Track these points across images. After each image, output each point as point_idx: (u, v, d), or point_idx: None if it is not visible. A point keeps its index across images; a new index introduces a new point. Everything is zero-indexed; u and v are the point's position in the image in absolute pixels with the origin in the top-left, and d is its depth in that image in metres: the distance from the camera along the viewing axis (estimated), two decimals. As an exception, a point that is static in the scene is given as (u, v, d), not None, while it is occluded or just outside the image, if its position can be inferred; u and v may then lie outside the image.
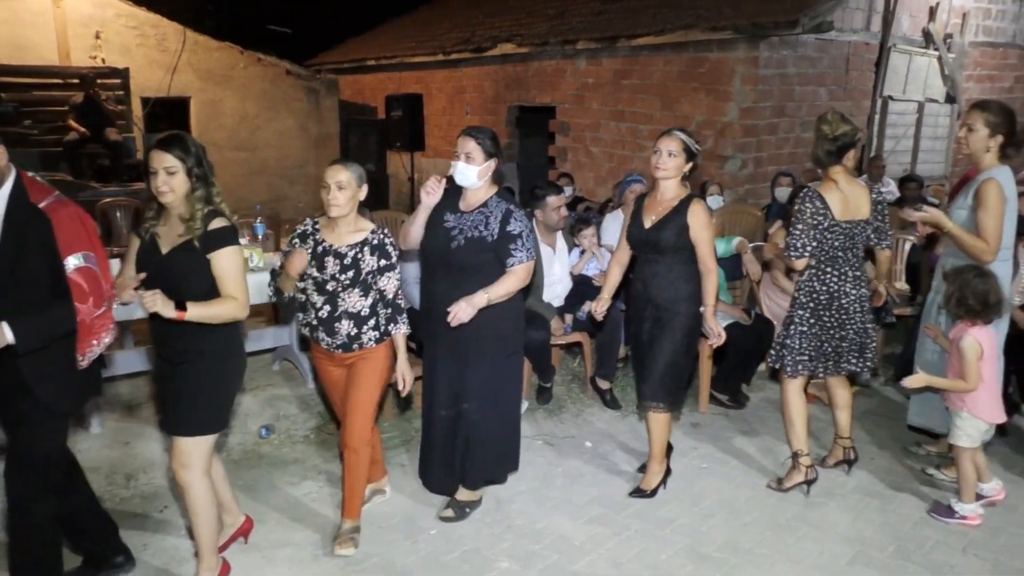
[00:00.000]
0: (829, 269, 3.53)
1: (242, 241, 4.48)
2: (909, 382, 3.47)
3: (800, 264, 3.52)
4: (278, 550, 3.23)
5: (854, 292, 3.56)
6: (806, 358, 3.60)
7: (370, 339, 3.15)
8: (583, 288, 4.77)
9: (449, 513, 3.45)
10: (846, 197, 3.47)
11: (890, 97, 8.68)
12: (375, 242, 3.13)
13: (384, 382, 3.27)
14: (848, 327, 3.58)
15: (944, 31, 8.91)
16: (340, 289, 3.08)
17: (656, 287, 3.51)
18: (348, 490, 3.23)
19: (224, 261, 2.68)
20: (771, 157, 7.87)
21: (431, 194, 3.31)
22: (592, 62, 9.03)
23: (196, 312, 2.59)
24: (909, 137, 9.28)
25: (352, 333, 3.12)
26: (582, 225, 4.96)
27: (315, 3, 18.05)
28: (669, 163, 3.43)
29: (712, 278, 3.45)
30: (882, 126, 8.75)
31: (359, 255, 3.10)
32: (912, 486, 3.80)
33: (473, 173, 3.27)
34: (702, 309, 3.45)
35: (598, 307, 3.67)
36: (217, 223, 2.68)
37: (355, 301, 3.10)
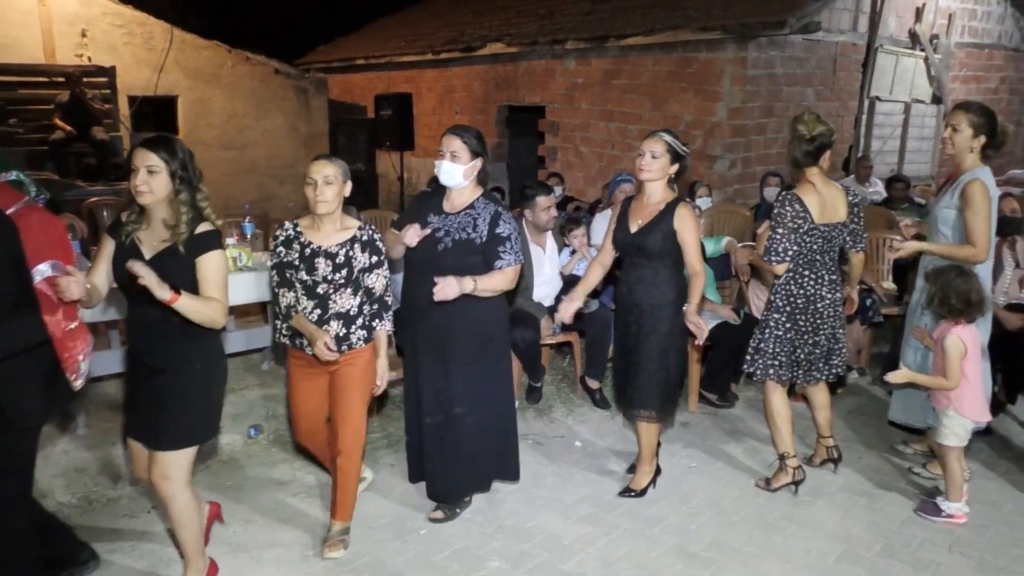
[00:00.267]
0: (807, 272, 3.52)
1: (230, 241, 4.51)
2: (892, 377, 3.51)
3: (781, 269, 3.50)
4: (267, 550, 3.22)
5: (829, 296, 3.55)
6: (778, 364, 3.59)
7: (359, 339, 3.11)
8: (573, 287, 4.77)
9: (439, 514, 3.44)
10: (824, 200, 3.45)
11: (877, 98, 8.73)
12: (364, 238, 3.08)
13: (372, 386, 3.24)
14: (821, 332, 3.57)
15: (930, 32, 8.98)
16: (332, 291, 3.03)
17: (641, 292, 3.47)
18: (340, 493, 3.22)
19: (209, 265, 2.62)
20: (759, 157, 7.91)
21: (411, 241, 3.19)
22: (581, 62, 9.04)
23: (187, 302, 2.52)
24: (896, 138, 9.34)
25: (341, 334, 3.07)
26: (572, 225, 4.96)
27: (304, 2, 18.01)
28: (653, 165, 3.39)
29: (699, 279, 3.42)
30: (869, 126, 8.80)
31: (351, 253, 3.04)
32: (899, 485, 3.82)
33: (459, 172, 3.22)
34: (686, 307, 3.41)
35: (566, 309, 3.56)
36: (203, 227, 2.63)
37: (345, 301, 3.06)
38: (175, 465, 2.69)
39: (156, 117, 11.51)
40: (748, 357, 3.71)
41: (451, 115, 11.13)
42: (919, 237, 3.92)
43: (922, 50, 8.95)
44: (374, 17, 14.73)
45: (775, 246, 3.46)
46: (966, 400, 3.41)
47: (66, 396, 2.68)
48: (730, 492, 3.75)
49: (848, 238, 3.57)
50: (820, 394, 3.78)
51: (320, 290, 3.02)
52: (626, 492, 3.69)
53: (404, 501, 3.59)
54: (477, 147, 3.25)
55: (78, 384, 2.50)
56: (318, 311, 3.04)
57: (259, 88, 12.10)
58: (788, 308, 3.56)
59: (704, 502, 3.65)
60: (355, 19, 14.92)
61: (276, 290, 3.12)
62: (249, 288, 4.24)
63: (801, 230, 3.43)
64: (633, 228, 3.48)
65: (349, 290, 3.05)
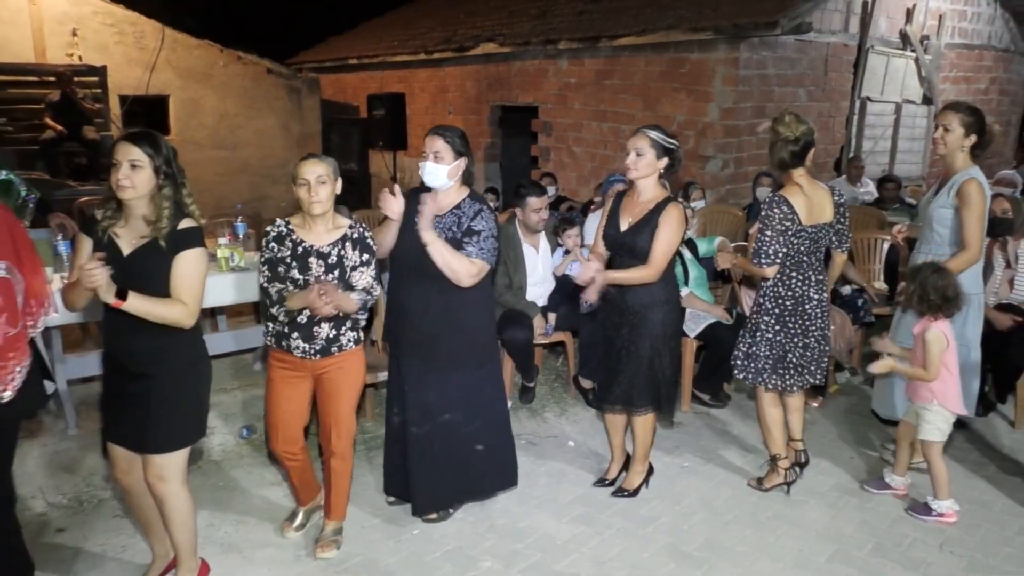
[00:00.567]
0: (794, 274, 3.50)
1: (223, 240, 4.50)
2: (876, 368, 3.55)
3: (772, 272, 3.47)
4: (259, 550, 3.21)
5: (816, 297, 3.53)
6: (770, 368, 3.58)
7: (349, 340, 3.07)
8: (568, 287, 4.77)
9: (432, 515, 3.44)
10: (811, 201, 3.43)
11: (868, 98, 8.77)
12: (355, 236, 3.03)
13: (361, 388, 3.20)
14: (811, 334, 3.56)
15: (921, 33, 9.02)
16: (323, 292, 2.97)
17: (631, 292, 3.42)
18: (334, 494, 3.21)
19: (185, 263, 2.54)
20: (751, 157, 7.93)
21: (394, 208, 3.18)
22: (574, 62, 9.05)
23: (136, 304, 2.43)
24: (887, 138, 9.38)
25: (331, 336, 3.02)
26: (566, 225, 4.94)
27: (296, 1, 17.97)
28: (640, 163, 3.35)
29: (646, 272, 3.32)
30: (860, 127, 8.84)
31: (342, 252, 3.00)
32: (890, 483, 3.84)
33: (443, 172, 3.17)
34: (597, 271, 3.29)
35: (586, 273, 3.39)
36: (185, 223, 2.57)
37: None
38: (169, 467, 2.66)
39: (147, 117, 11.46)
40: (738, 362, 3.69)
41: (444, 115, 11.12)
42: (911, 241, 3.95)
43: (913, 51, 8.99)
44: (367, 17, 14.71)
45: (765, 248, 3.42)
46: (950, 392, 3.46)
47: (38, 396, 2.61)
48: (723, 492, 3.76)
49: (834, 238, 3.57)
50: (796, 398, 3.74)
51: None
52: (619, 492, 3.70)
53: (397, 501, 3.59)
54: (461, 147, 3.20)
55: (6, 396, 2.34)
56: (307, 312, 2.98)
57: (251, 88, 12.07)
58: (777, 311, 3.54)
59: (697, 502, 3.66)
60: (348, 19, 14.90)
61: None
62: (241, 288, 4.22)
63: (789, 232, 3.40)
64: (623, 226, 3.44)
65: (341, 291, 3.00)
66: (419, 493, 3.38)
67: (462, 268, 3.12)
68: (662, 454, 4.06)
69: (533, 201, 4.63)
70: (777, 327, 3.55)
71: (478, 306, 3.28)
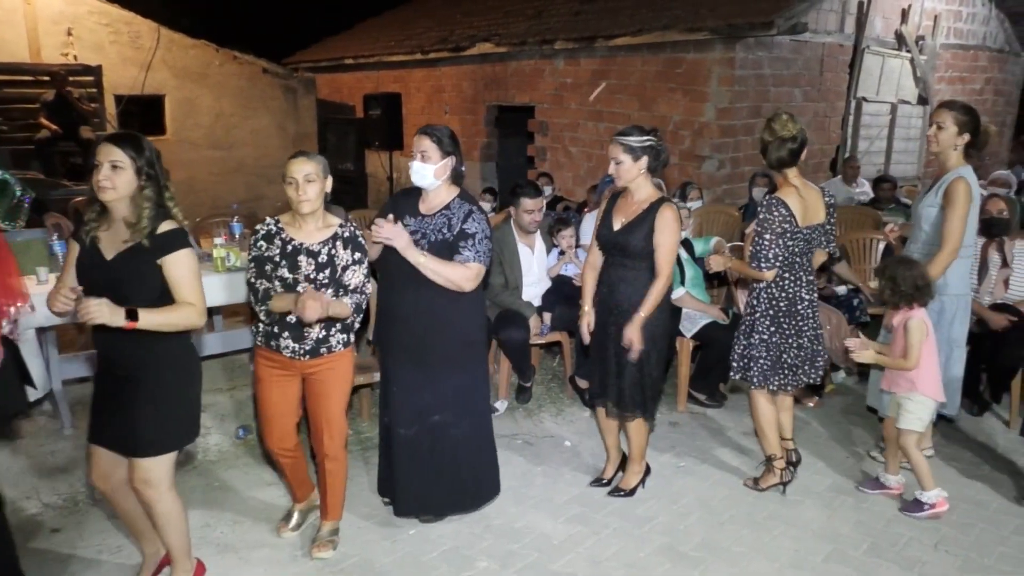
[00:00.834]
0: (788, 275, 3.50)
1: (219, 240, 4.49)
2: (859, 355, 3.59)
3: (771, 275, 3.46)
4: (255, 551, 3.20)
5: (808, 297, 3.55)
6: (768, 369, 3.58)
7: (339, 342, 3.04)
8: (563, 287, 4.77)
9: (428, 515, 3.43)
10: (806, 202, 3.44)
11: (864, 98, 8.79)
12: (346, 235, 2.99)
13: (350, 389, 3.18)
14: (804, 334, 3.57)
15: (916, 33, 9.04)
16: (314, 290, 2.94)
17: (622, 293, 3.42)
18: (329, 494, 3.21)
19: (178, 265, 2.51)
20: (748, 157, 7.94)
21: (386, 235, 3.04)
22: (570, 62, 9.06)
23: (149, 320, 2.41)
24: (882, 138, 9.40)
25: (321, 336, 2.99)
26: (560, 226, 4.94)
27: (292, 1, 17.95)
28: (620, 170, 3.36)
29: (659, 283, 3.34)
30: (856, 127, 8.86)
31: (332, 251, 2.97)
32: (886, 483, 3.85)
33: (430, 172, 3.15)
34: (635, 316, 3.32)
35: (586, 323, 3.53)
36: (166, 226, 2.52)
37: None
38: (155, 471, 2.61)
39: (143, 116, 11.45)
40: (736, 363, 3.68)
41: (440, 115, 11.12)
42: (903, 239, 3.96)
43: (908, 51, 9.01)
44: (363, 17, 14.70)
45: (764, 252, 3.41)
46: (928, 381, 3.50)
47: (13, 399, 2.57)
48: (719, 492, 3.76)
49: (822, 238, 3.58)
50: (787, 396, 3.75)
51: (300, 289, 2.92)
52: (616, 492, 3.70)
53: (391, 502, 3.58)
54: (449, 146, 3.17)
55: None
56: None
57: (247, 87, 12.06)
58: (772, 312, 3.54)
59: (693, 501, 3.66)
60: (343, 19, 14.89)
61: (253, 281, 2.99)
62: (237, 288, 4.21)
63: (787, 234, 3.40)
64: (616, 226, 3.44)
65: (330, 291, 2.96)
66: (401, 493, 3.37)
67: (459, 276, 3.12)
68: (658, 454, 4.06)
69: (527, 202, 4.63)
70: (772, 328, 3.55)
71: (468, 307, 3.25)
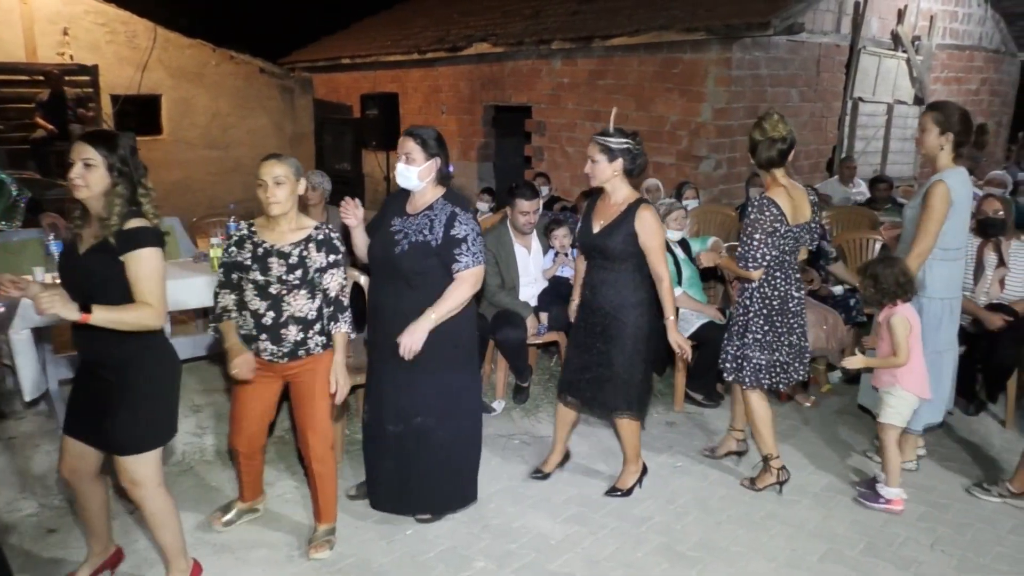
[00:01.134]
0: (778, 274, 3.52)
1: (215, 240, 4.48)
2: (849, 363, 3.65)
3: (758, 274, 3.48)
4: (252, 551, 3.20)
5: (797, 295, 3.59)
6: (763, 368, 3.59)
7: (317, 344, 3.03)
8: (560, 287, 4.77)
9: (425, 515, 3.43)
10: (795, 202, 3.46)
11: (860, 99, 8.80)
12: (320, 237, 2.98)
13: (334, 391, 3.16)
14: (795, 331, 3.60)
15: (912, 33, 9.06)
16: (286, 292, 2.93)
17: (603, 294, 3.42)
18: (321, 497, 3.21)
19: (139, 263, 2.46)
20: (745, 157, 7.91)
21: (349, 216, 3.23)
22: (567, 62, 9.06)
23: (102, 316, 2.38)
24: (879, 138, 9.42)
25: (299, 339, 2.98)
26: (555, 226, 4.94)
27: (289, 1, 17.92)
28: (595, 169, 3.39)
29: (665, 285, 3.36)
30: (852, 127, 8.87)
31: (304, 253, 2.95)
32: (882, 482, 3.86)
33: (413, 174, 3.15)
34: (667, 322, 3.39)
35: (571, 309, 3.64)
36: (135, 222, 2.49)
37: (302, 304, 2.96)
38: (140, 470, 2.61)
39: (139, 116, 11.43)
40: (731, 364, 3.68)
41: (437, 115, 11.12)
42: (898, 239, 3.97)
43: (904, 51, 9.03)
44: (360, 16, 14.67)
45: (753, 252, 3.43)
46: (910, 377, 3.53)
47: None
48: (716, 491, 3.77)
49: (807, 236, 3.60)
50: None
51: (273, 290, 2.93)
52: (613, 492, 3.70)
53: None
54: (434, 148, 3.17)
55: None
56: (272, 313, 2.95)
57: (244, 87, 12.04)
58: (765, 311, 3.56)
59: (690, 501, 3.67)
60: (340, 18, 14.86)
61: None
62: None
63: (778, 233, 3.42)
64: (595, 228, 3.44)
65: (304, 292, 2.95)
66: (376, 486, 3.42)
67: (464, 292, 3.14)
68: (655, 454, 4.06)
69: (522, 204, 4.63)
70: (766, 327, 3.57)
71: None
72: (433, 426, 3.27)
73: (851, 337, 5.03)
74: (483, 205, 7.91)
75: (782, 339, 3.57)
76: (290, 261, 2.94)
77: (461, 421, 3.36)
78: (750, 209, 3.48)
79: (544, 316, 4.71)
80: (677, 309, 4.57)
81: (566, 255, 4.85)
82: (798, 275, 3.61)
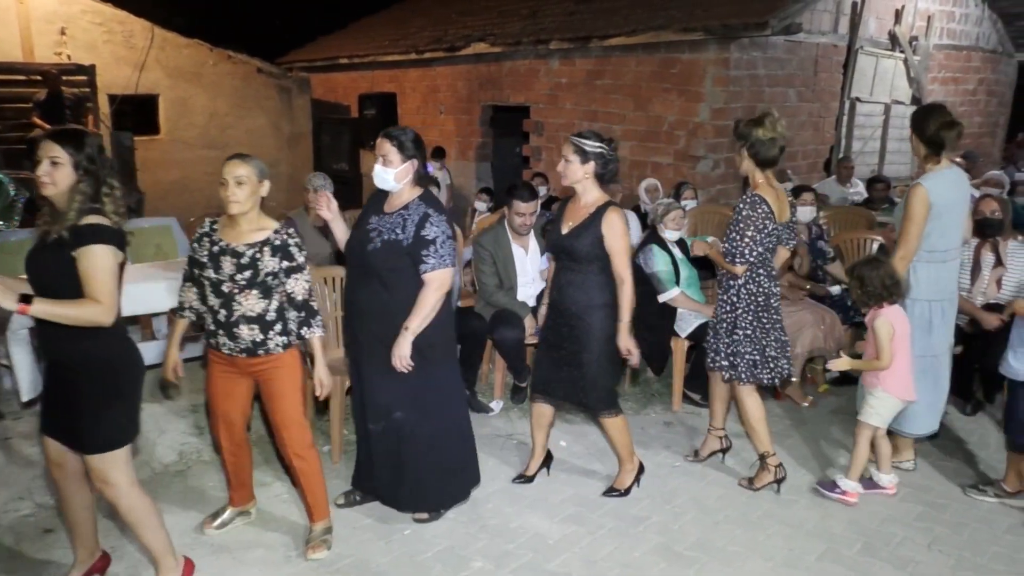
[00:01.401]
0: (761, 271, 3.56)
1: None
2: (834, 364, 3.70)
3: (741, 270, 3.52)
4: (249, 551, 3.20)
5: (777, 291, 3.65)
6: (755, 364, 3.61)
7: (277, 344, 3.01)
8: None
9: (423, 514, 3.43)
10: (780, 200, 3.53)
11: (858, 99, 8.81)
12: (277, 243, 2.97)
13: (303, 384, 3.17)
14: (777, 327, 3.65)
15: (909, 34, 9.08)
16: (236, 291, 2.92)
17: (570, 296, 3.44)
18: (308, 494, 3.21)
19: (89, 259, 2.44)
20: (743, 157, 7.96)
21: (322, 208, 3.33)
22: (565, 62, 9.06)
23: (42, 308, 2.37)
24: (876, 138, 9.43)
25: (257, 339, 2.97)
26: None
27: (287, 1, 17.92)
28: (567, 169, 3.40)
29: (626, 289, 3.37)
30: (850, 127, 8.88)
31: (257, 255, 2.94)
32: (879, 482, 3.86)
33: (390, 176, 3.17)
34: (618, 325, 3.41)
35: (539, 313, 3.70)
36: (92, 219, 2.48)
37: (252, 304, 2.94)
38: (110, 469, 2.61)
39: (136, 116, 11.41)
40: (724, 363, 3.69)
41: (435, 115, 11.12)
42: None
43: (901, 52, 9.04)
44: (357, 16, 14.67)
45: (742, 249, 3.46)
46: (893, 379, 3.55)
47: None
48: (714, 491, 3.77)
49: (785, 234, 3.64)
50: (723, 384, 3.83)
51: (225, 288, 2.92)
52: (610, 491, 3.70)
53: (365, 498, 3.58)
54: (411, 150, 3.19)
55: None
56: (224, 311, 2.95)
57: (241, 87, 12.04)
58: (753, 307, 3.59)
59: (688, 501, 3.67)
60: (338, 18, 14.86)
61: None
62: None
63: (767, 230, 3.47)
64: (564, 230, 3.47)
65: (255, 292, 2.94)
66: (363, 481, 3.51)
67: (434, 296, 3.16)
68: (653, 454, 4.07)
69: (520, 205, 4.63)
70: (755, 324, 3.60)
71: None
72: (414, 422, 3.29)
73: (849, 337, 5.04)
74: (481, 205, 7.91)
75: (769, 334, 3.62)
76: (241, 261, 2.94)
77: (443, 417, 3.37)
78: (742, 206, 3.51)
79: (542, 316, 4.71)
80: (676, 312, 4.61)
81: None
82: (775, 272, 3.67)
